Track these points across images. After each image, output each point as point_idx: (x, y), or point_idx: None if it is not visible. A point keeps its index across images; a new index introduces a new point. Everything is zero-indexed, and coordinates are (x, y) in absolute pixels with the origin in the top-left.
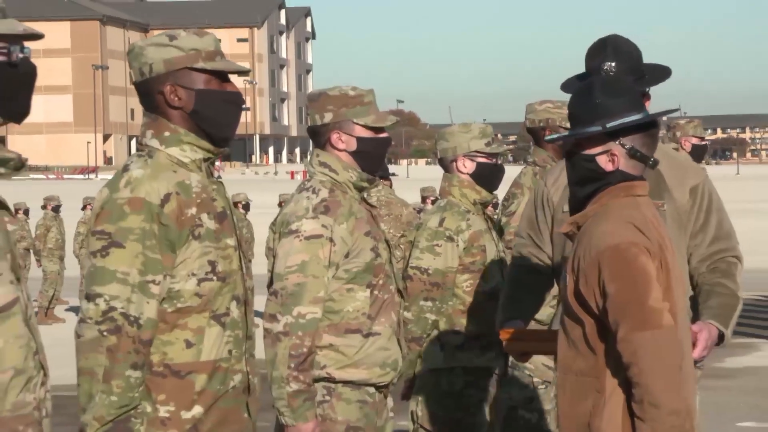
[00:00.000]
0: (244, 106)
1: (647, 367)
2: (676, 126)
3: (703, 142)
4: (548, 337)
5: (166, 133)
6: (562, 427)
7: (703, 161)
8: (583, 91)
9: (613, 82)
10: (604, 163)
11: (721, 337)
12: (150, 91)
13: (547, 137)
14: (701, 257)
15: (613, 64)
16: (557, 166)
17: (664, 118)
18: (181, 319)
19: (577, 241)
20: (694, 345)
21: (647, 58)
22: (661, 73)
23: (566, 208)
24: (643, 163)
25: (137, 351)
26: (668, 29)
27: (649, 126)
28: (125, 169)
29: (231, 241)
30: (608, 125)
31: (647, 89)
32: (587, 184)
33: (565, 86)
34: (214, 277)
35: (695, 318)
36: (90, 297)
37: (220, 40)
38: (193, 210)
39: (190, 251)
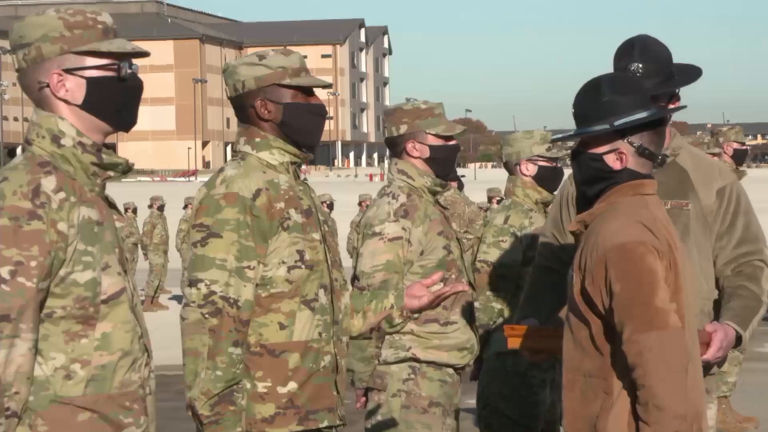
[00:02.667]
0: (327, 116)
1: (652, 368)
2: (719, 132)
3: (744, 147)
4: (552, 335)
5: (257, 139)
6: (568, 424)
7: (744, 164)
8: (590, 89)
9: (621, 80)
10: (612, 161)
11: (738, 339)
12: (243, 105)
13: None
14: (727, 259)
15: (641, 65)
16: None
17: (708, 125)
18: (274, 303)
19: (584, 239)
20: (708, 345)
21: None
22: (691, 73)
23: (577, 207)
24: (651, 160)
25: (238, 330)
26: (713, 43)
27: (657, 124)
28: (221, 170)
29: (316, 235)
30: (616, 123)
31: (677, 90)
32: (595, 184)
33: None
34: (303, 265)
35: (716, 320)
36: (192, 283)
37: (305, 57)
38: (282, 204)
39: (280, 241)
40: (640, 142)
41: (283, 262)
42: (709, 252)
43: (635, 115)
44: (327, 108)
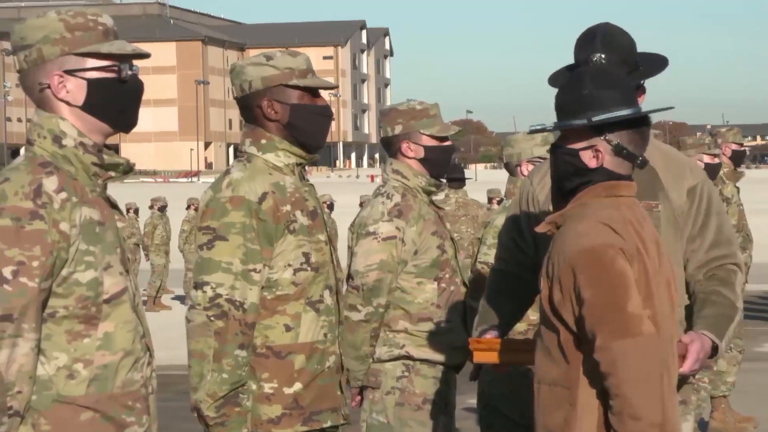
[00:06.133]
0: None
1: (627, 377)
2: (718, 133)
3: (742, 148)
4: (520, 347)
5: (263, 141)
6: None
7: (743, 165)
8: (573, 81)
9: (605, 74)
10: (587, 159)
11: (714, 349)
12: (250, 105)
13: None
14: (699, 263)
15: (603, 56)
16: (543, 164)
17: (707, 126)
18: (280, 305)
19: (552, 242)
20: (684, 357)
21: (692, 70)
22: (657, 63)
23: (552, 207)
24: (630, 161)
25: (243, 333)
26: (713, 44)
27: (639, 123)
28: (227, 172)
29: (322, 237)
30: (594, 119)
31: (642, 82)
32: (569, 180)
33: (553, 79)
34: (309, 268)
35: (689, 328)
36: (198, 285)
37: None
38: (288, 207)
39: (287, 244)
40: (618, 140)
41: (289, 265)
42: (680, 256)
43: (615, 112)
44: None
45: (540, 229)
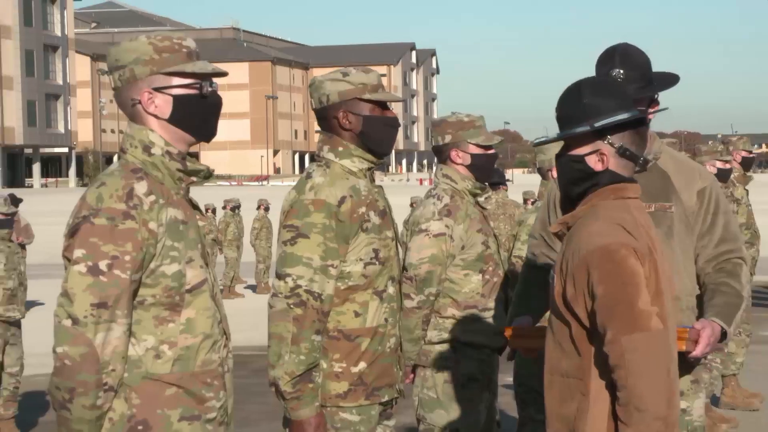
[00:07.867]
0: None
1: (634, 369)
2: (729, 141)
3: (751, 155)
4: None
5: (340, 148)
6: (549, 426)
7: (751, 170)
8: (571, 92)
9: (601, 83)
10: (593, 163)
11: (723, 335)
12: (327, 116)
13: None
14: (708, 258)
15: (622, 71)
16: None
17: (719, 135)
18: (350, 294)
19: (565, 241)
20: (696, 342)
21: (701, 83)
22: (669, 79)
23: (560, 210)
24: (633, 162)
25: (319, 320)
26: (722, 59)
27: (637, 124)
28: (308, 176)
29: (390, 233)
30: (596, 124)
31: (656, 95)
32: (577, 185)
33: None
34: (377, 262)
35: (701, 315)
36: (280, 276)
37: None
38: (363, 209)
39: (359, 241)
40: (621, 142)
41: (361, 259)
42: (691, 252)
43: (615, 116)
44: (399, 122)
45: (552, 229)
